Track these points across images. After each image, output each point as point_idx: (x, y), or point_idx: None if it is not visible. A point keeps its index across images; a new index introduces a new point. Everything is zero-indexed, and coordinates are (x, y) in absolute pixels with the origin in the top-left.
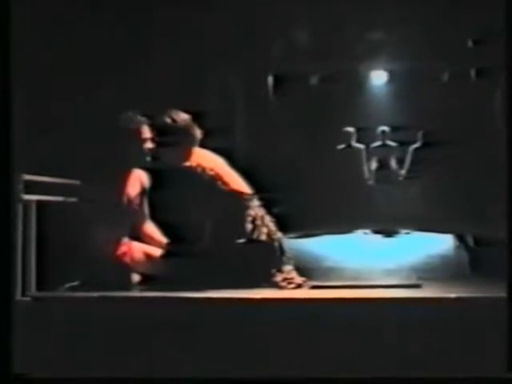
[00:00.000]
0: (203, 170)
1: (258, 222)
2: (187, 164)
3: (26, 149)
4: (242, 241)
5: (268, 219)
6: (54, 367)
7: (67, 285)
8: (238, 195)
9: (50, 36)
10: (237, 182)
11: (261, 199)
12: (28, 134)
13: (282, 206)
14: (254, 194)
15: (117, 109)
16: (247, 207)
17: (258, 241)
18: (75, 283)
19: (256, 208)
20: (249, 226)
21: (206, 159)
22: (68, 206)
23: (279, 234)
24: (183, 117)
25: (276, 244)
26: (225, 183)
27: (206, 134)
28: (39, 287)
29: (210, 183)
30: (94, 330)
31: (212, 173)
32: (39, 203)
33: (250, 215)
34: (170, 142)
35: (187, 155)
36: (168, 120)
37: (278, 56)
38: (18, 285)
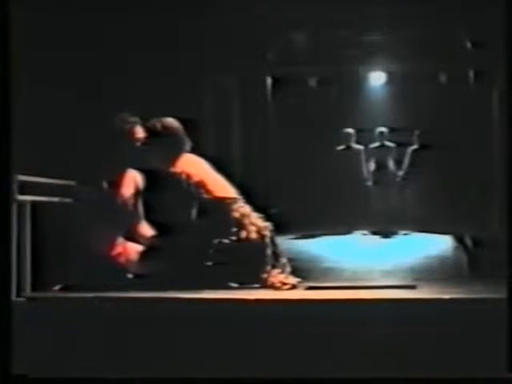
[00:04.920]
0: (188, 176)
1: (246, 221)
2: (172, 170)
3: (22, 150)
4: (232, 240)
5: (255, 217)
6: (47, 367)
7: (56, 287)
8: (221, 200)
9: (50, 37)
10: (221, 187)
11: (257, 200)
12: (24, 135)
13: (281, 206)
14: (238, 196)
15: (112, 111)
16: (232, 210)
17: (249, 239)
18: (59, 287)
19: (241, 208)
20: (236, 227)
21: (191, 165)
22: (63, 206)
23: (269, 229)
24: (175, 124)
25: (267, 240)
26: (208, 191)
27: (205, 136)
28: (34, 288)
29: (196, 189)
30: (89, 330)
31: (197, 179)
32: (34, 204)
33: (235, 216)
34: (158, 147)
35: (173, 161)
36: (158, 126)
37: (276, 58)
38: (13, 285)
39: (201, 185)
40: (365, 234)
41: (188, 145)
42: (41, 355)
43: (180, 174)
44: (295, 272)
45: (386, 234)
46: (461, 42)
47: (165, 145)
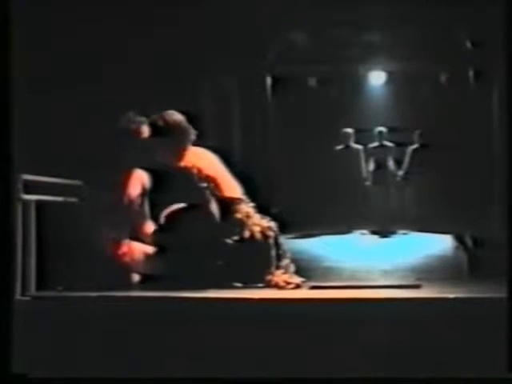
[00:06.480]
0: (199, 170)
1: (250, 222)
2: (183, 164)
3: (26, 149)
4: (236, 240)
5: (259, 217)
6: (52, 366)
7: (61, 286)
8: (227, 200)
9: (51, 37)
10: (229, 184)
11: (257, 199)
12: (28, 134)
13: (280, 206)
14: (244, 197)
15: (116, 109)
16: (237, 209)
17: (253, 239)
18: (64, 286)
19: (246, 208)
20: (241, 227)
21: (201, 159)
22: (68, 206)
23: (273, 229)
24: (175, 117)
25: (271, 240)
26: (217, 186)
27: (205, 135)
28: (39, 287)
29: (207, 183)
30: (93, 330)
31: (207, 173)
32: (39, 203)
33: (240, 217)
34: (163, 142)
35: (182, 155)
36: (159, 121)
37: (275, 58)
38: (18, 284)
39: (211, 180)
40: (363, 234)
41: (194, 135)
42: (48, 354)
43: (191, 167)
44: (295, 271)
45: (385, 234)
46: (461, 42)
47: (170, 139)
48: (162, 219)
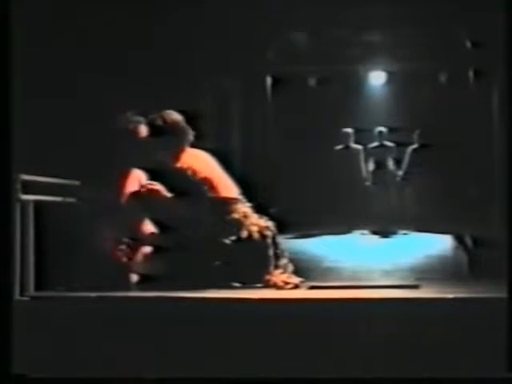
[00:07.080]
0: (194, 172)
1: (247, 222)
2: (179, 165)
3: (25, 149)
4: (234, 240)
5: (256, 217)
6: (51, 367)
7: (59, 287)
8: (225, 200)
9: (51, 38)
10: (225, 185)
11: (256, 199)
12: (27, 134)
13: (280, 206)
14: (242, 197)
15: (115, 109)
16: (235, 210)
17: (250, 239)
18: (63, 286)
19: (243, 208)
20: (239, 227)
21: (197, 161)
22: (66, 206)
23: (271, 229)
24: (174, 117)
25: (269, 240)
26: (213, 188)
27: (205, 135)
28: (38, 287)
29: (202, 186)
30: (93, 330)
31: (203, 175)
32: (37, 203)
33: (238, 217)
34: (160, 142)
35: (179, 156)
36: (158, 120)
37: (276, 58)
38: (17, 285)
39: (206, 181)
40: (363, 234)
41: (191, 136)
42: (48, 354)
43: (186, 169)
44: (295, 272)
45: (385, 234)
46: (461, 42)
47: (167, 139)
48: (142, 188)
